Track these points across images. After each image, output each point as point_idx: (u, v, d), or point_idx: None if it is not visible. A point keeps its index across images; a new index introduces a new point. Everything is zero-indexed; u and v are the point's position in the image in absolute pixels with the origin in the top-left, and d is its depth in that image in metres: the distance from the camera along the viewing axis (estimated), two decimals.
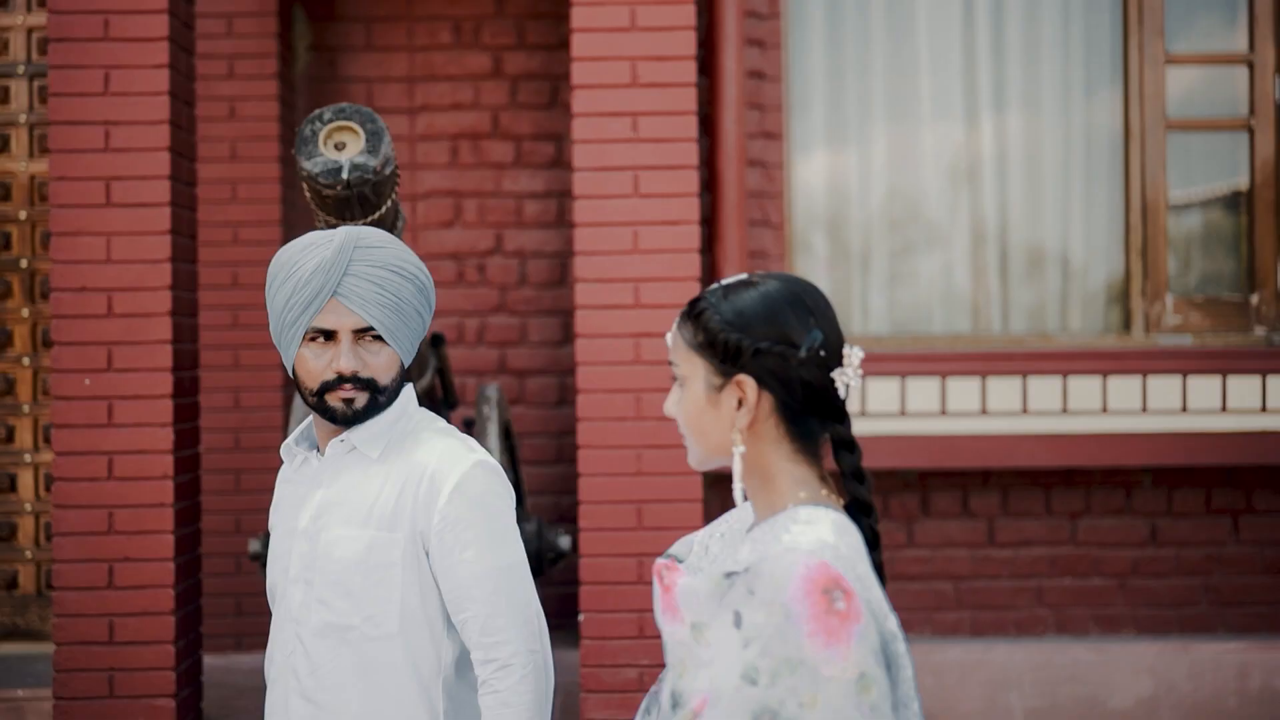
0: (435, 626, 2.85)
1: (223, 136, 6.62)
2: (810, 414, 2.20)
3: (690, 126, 4.99)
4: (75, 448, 5.11)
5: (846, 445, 2.22)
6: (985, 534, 6.59)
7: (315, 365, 2.83)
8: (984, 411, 6.38)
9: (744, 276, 2.25)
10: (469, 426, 5.81)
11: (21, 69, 6.70)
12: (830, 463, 2.27)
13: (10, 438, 6.69)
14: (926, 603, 6.58)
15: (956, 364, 6.38)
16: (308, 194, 4.31)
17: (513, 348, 6.97)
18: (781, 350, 2.16)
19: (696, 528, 5.06)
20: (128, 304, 5.04)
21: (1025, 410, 6.35)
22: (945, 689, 6.32)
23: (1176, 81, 6.63)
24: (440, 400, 5.56)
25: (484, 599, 2.79)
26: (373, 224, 4.35)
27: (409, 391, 2.93)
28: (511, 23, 6.97)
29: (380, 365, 2.85)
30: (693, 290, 5.03)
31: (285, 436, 5.37)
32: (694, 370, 2.22)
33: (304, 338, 2.83)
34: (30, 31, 6.70)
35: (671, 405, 2.27)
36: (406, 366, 2.91)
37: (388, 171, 4.22)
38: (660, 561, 2.27)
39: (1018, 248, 6.70)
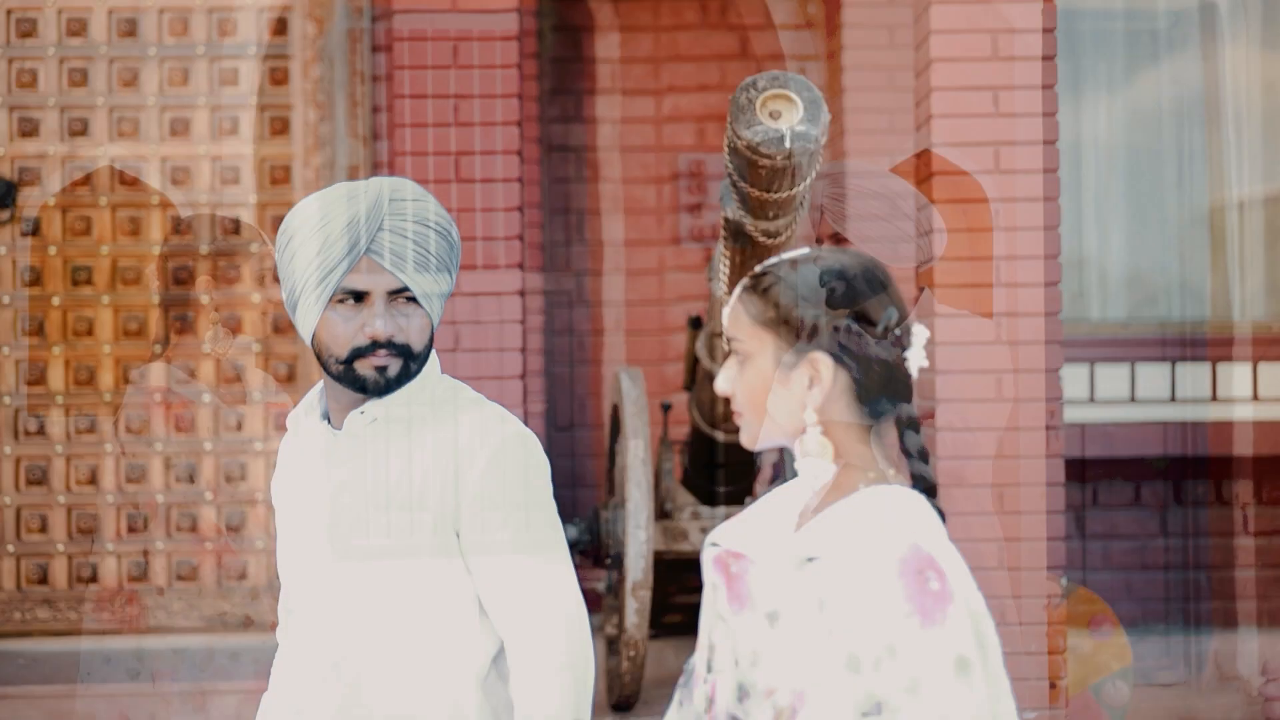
0: (467, 613, 2.59)
1: None
2: (882, 394, 2.12)
3: (1052, 101, 4.89)
4: None
5: (913, 425, 2.14)
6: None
7: (344, 330, 2.55)
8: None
9: (808, 250, 2.16)
10: None
11: (253, 50, 6.52)
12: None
13: (240, 426, 6.52)
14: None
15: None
16: (731, 165, 4.16)
17: None
18: (860, 328, 2.09)
19: (1058, 511, 4.95)
20: (475, 282, 4.87)
21: None
22: None
23: None
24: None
25: (522, 584, 2.55)
26: (791, 199, 4.20)
27: (435, 359, 2.68)
28: (759, 2, 6.83)
29: (415, 329, 2.58)
30: (1053, 269, 4.93)
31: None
32: (761, 347, 2.12)
33: (331, 299, 2.56)
34: (261, 11, 6.53)
35: (726, 382, 2.17)
36: (435, 330, 2.65)
37: (824, 141, 4.09)
38: (721, 550, 2.17)
39: (1252, 231, 6.60)
